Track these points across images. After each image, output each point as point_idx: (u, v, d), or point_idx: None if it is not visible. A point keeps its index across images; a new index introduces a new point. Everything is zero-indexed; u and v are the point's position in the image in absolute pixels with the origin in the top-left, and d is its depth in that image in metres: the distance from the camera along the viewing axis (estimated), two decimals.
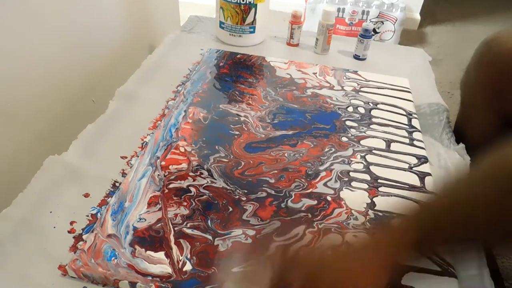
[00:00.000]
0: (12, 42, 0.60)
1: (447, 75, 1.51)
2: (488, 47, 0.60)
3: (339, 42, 0.91)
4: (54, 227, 0.46)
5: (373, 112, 0.68)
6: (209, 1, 1.00)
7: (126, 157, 0.56)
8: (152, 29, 1.04)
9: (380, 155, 0.59)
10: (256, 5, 0.81)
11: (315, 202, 0.51)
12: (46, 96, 0.68)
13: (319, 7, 1.52)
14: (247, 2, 0.80)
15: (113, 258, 0.42)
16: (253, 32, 0.85)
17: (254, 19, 0.83)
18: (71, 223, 0.47)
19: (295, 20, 0.86)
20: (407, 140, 0.63)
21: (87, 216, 0.48)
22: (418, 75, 0.82)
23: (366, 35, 0.82)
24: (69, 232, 0.46)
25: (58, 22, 0.69)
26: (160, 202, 0.49)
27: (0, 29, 0.57)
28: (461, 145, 0.61)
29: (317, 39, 0.86)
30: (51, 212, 0.48)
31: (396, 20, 1.53)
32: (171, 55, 0.82)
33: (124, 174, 0.54)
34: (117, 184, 0.52)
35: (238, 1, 0.80)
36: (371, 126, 0.65)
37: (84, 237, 0.45)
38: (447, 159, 0.60)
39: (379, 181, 0.55)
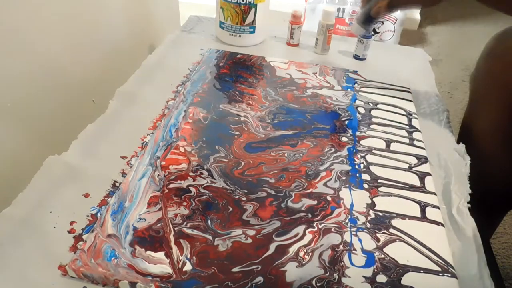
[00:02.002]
0: (12, 42, 0.60)
1: (447, 75, 1.51)
2: (498, 41, 0.60)
3: (339, 42, 0.91)
4: (54, 227, 0.46)
5: (373, 112, 0.68)
6: (209, 1, 1.00)
7: (126, 157, 0.56)
8: (152, 29, 1.04)
9: (380, 155, 0.59)
10: (256, 5, 0.81)
11: (315, 202, 0.51)
12: (46, 96, 0.68)
13: (319, 7, 1.52)
14: (247, 2, 0.80)
15: (113, 258, 0.42)
16: (253, 32, 0.85)
17: (254, 19, 0.83)
18: (71, 223, 0.47)
19: (295, 20, 0.86)
20: (407, 140, 0.63)
21: (87, 216, 0.48)
22: (418, 75, 0.82)
23: (366, 35, 0.82)
24: (69, 232, 0.46)
25: (58, 22, 0.69)
26: (160, 202, 0.49)
27: (0, 28, 0.57)
28: (461, 145, 0.61)
29: (317, 39, 0.86)
30: (51, 212, 0.48)
31: (396, 20, 1.53)
32: (171, 55, 0.82)
33: (124, 174, 0.54)
34: (117, 184, 0.52)
35: (238, 1, 0.80)
36: (371, 126, 0.65)
37: (84, 237, 0.45)
38: (447, 159, 0.60)
39: (379, 181, 0.55)
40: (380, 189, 0.54)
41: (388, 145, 0.61)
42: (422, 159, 0.59)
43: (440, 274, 0.44)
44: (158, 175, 0.53)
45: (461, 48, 1.67)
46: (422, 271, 0.44)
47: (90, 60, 0.80)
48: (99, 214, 0.48)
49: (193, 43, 0.87)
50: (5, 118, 0.61)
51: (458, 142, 0.63)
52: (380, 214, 0.50)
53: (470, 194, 0.54)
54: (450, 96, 1.41)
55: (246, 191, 0.51)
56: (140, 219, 0.47)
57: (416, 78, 0.80)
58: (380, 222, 0.49)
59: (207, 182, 0.52)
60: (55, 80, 0.70)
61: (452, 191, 0.54)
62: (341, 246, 0.46)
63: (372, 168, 0.57)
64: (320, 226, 0.48)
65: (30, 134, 0.66)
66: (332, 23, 0.83)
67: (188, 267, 0.42)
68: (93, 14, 0.79)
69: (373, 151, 0.60)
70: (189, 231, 0.46)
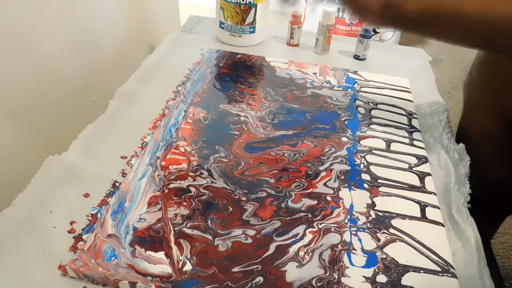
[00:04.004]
0: (12, 42, 0.60)
1: (447, 75, 1.51)
2: None
3: (339, 42, 0.91)
4: (54, 227, 0.46)
5: (373, 112, 0.68)
6: (209, 1, 1.00)
7: (126, 157, 0.56)
8: (152, 29, 1.04)
9: (380, 155, 0.59)
10: (256, 5, 0.81)
11: (315, 202, 0.51)
12: (46, 96, 0.68)
13: (319, 7, 1.52)
14: (247, 2, 0.80)
15: (113, 258, 0.42)
16: (253, 32, 0.85)
17: (254, 19, 0.83)
18: (71, 223, 0.47)
19: (295, 20, 0.86)
20: (407, 140, 0.63)
21: (87, 216, 0.48)
22: (418, 75, 0.82)
23: (366, 35, 0.82)
24: (69, 232, 0.46)
25: (58, 23, 0.69)
26: (160, 202, 0.49)
27: (1, 29, 0.57)
28: (461, 145, 0.61)
29: (317, 39, 0.86)
30: (51, 212, 0.48)
31: None
32: (171, 55, 0.82)
33: (124, 174, 0.54)
34: (117, 184, 0.52)
35: (238, 1, 0.80)
36: (371, 126, 0.65)
37: (84, 237, 0.45)
38: (447, 159, 0.60)
39: (379, 181, 0.55)
40: (380, 189, 0.54)
41: (388, 145, 0.61)
42: (422, 159, 0.59)
43: (440, 274, 0.44)
44: (158, 175, 0.53)
45: (461, 48, 1.67)
46: (422, 271, 0.44)
47: (90, 60, 0.80)
48: (99, 214, 0.48)
49: (193, 43, 0.87)
50: (5, 118, 0.61)
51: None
52: (380, 214, 0.50)
53: (470, 194, 0.54)
54: (450, 96, 1.41)
55: (246, 191, 0.51)
56: (140, 219, 0.47)
57: (416, 78, 0.80)
58: (380, 222, 0.49)
59: (207, 182, 0.52)
60: (55, 80, 0.70)
61: (452, 191, 0.54)
62: (339, 246, 0.46)
63: (372, 168, 0.57)
64: (320, 226, 0.48)
65: (30, 134, 0.66)
66: (332, 23, 0.83)
67: (188, 267, 0.42)
68: (93, 14, 0.79)
69: (373, 151, 0.60)
70: (189, 231, 0.46)
